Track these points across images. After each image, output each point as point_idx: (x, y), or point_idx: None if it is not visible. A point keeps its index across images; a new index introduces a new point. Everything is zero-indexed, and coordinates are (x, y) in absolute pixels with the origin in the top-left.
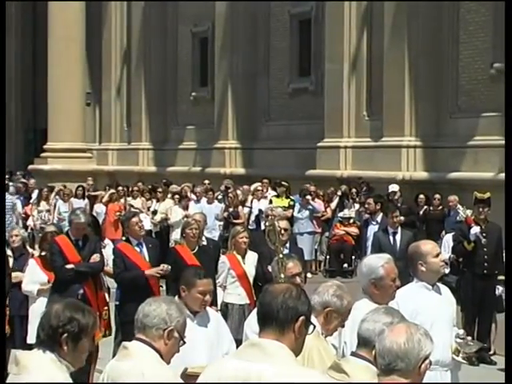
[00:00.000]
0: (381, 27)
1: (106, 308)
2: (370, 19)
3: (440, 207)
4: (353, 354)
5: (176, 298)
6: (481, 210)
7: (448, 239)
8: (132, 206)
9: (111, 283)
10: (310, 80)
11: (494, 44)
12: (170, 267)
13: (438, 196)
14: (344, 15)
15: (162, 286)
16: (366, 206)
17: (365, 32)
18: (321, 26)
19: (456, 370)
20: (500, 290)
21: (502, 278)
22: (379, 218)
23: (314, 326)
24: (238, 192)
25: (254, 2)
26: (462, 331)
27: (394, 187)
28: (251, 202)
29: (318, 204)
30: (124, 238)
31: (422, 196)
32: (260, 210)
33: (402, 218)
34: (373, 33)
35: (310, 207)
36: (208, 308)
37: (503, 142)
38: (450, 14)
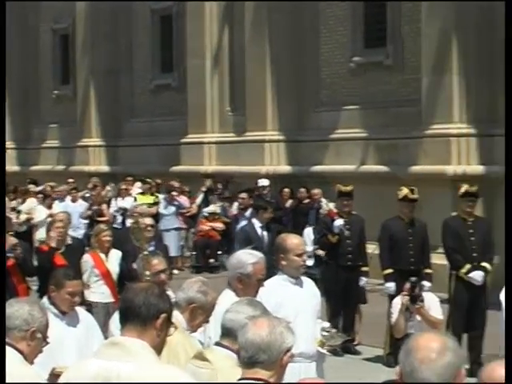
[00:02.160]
0: (242, 22)
1: None
2: (231, 14)
3: (307, 200)
4: (216, 343)
5: (45, 297)
6: (344, 202)
7: (309, 232)
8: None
9: None
10: (173, 76)
11: (353, 38)
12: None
13: (303, 189)
14: (205, 10)
15: (30, 288)
16: (240, 200)
17: (226, 27)
18: (182, 22)
19: (320, 361)
20: (364, 281)
21: (365, 269)
22: (248, 212)
23: (176, 327)
24: (108, 188)
25: None
26: (327, 324)
27: (264, 181)
28: (116, 200)
29: (184, 200)
30: None
31: (286, 190)
32: (125, 208)
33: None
34: (234, 27)
35: (176, 203)
36: (78, 308)
37: (364, 134)
38: (309, 9)
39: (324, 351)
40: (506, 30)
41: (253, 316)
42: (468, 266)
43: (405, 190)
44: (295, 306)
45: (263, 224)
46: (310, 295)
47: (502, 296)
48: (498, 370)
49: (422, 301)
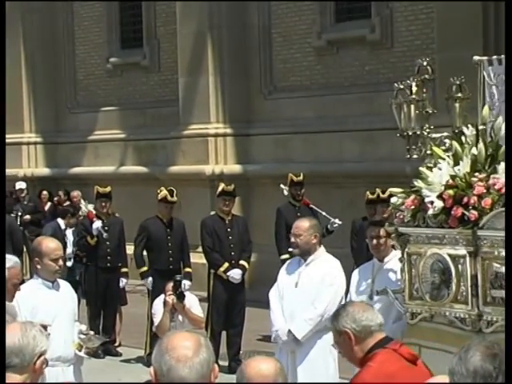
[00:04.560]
0: None
1: None
2: None
3: (67, 203)
4: None
5: None
6: (102, 204)
7: (68, 234)
8: None
9: None
10: None
11: (109, 39)
12: None
13: (62, 192)
14: None
15: None
16: None
17: None
18: None
19: (78, 364)
20: (124, 282)
21: (125, 270)
22: None
23: None
24: None
25: None
26: (84, 327)
27: (21, 184)
28: None
29: None
30: None
31: (45, 192)
32: None
33: (28, 216)
34: None
35: None
36: None
37: (122, 135)
38: (64, 9)
39: (82, 354)
40: (506, 29)
41: None
42: (226, 265)
43: (164, 192)
44: (52, 309)
45: (67, 227)
46: (66, 298)
47: (270, 293)
48: (257, 367)
49: (184, 299)
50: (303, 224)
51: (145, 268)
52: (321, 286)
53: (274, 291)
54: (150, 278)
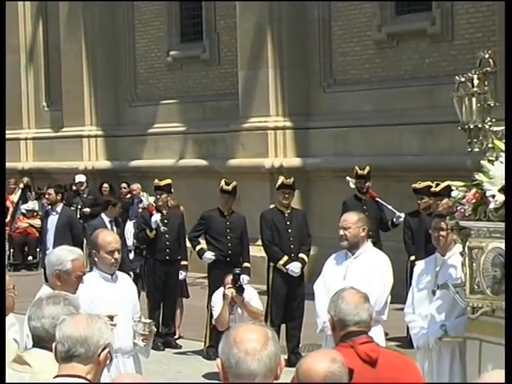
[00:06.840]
0: (56, 16)
1: None
2: (45, 9)
3: (128, 196)
4: (35, 346)
5: None
6: (158, 196)
7: (129, 227)
8: None
9: None
10: None
11: (169, 32)
12: None
13: (124, 185)
14: (18, 4)
15: None
16: (47, 196)
17: (40, 21)
18: None
19: (138, 356)
20: (183, 274)
21: (184, 263)
22: (59, 208)
23: None
24: None
25: None
26: (137, 314)
27: (80, 177)
28: None
29: None
30: None
31: (105, 185)
32: None
33: (88, 209)
34: (48, 21)
35: None
36: None
37: (182, 128)
38: (124, 3)
39: (139, 343)
40: (506, 28)
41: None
42: (286, 258)
43: (222, 182)
44: (110, 302)
45: (112, 219)
46: (125, 291)
47: (316, 285)
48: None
49: (243, 292)
50: (352, 217)
51: (200, 246)
52: (370, 279)
53: (319, 283)
54: (208, 253)
